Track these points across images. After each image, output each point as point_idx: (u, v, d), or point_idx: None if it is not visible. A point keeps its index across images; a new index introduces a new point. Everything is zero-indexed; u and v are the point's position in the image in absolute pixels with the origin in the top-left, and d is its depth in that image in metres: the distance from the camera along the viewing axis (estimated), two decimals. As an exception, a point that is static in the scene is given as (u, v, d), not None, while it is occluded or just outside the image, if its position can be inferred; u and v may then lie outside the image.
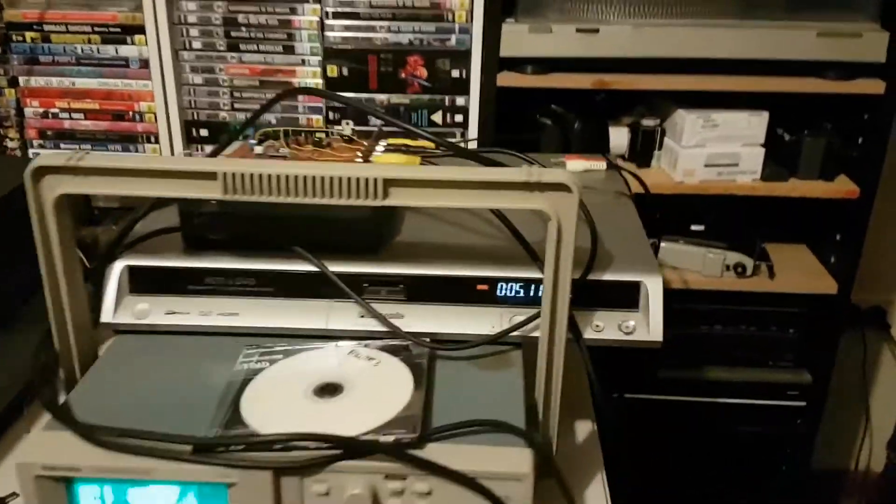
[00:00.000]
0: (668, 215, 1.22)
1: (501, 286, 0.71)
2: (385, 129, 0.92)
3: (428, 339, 0.68)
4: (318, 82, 1.23)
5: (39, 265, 0.64)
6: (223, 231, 0.72)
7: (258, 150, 0.78)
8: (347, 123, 1.24)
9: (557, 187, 0.60)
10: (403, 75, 1.22)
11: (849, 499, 1.79)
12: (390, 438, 0.56)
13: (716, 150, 1.13)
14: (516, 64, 1.13)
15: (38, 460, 0.56)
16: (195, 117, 1.26)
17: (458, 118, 1.23)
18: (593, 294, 0.70)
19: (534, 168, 0.60)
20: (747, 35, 1.07)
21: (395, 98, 1.23)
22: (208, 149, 1.28)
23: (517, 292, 0.71)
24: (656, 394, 1.28)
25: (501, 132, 1.19)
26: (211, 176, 0.61)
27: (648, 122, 1.18)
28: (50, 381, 0.67)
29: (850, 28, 1.05)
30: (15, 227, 0.73)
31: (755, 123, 1.13)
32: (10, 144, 1.28)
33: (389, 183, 0.61)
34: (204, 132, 1.27)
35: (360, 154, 0.76)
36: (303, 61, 1.21)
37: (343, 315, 0.71)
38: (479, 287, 0.71)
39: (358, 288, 0.71)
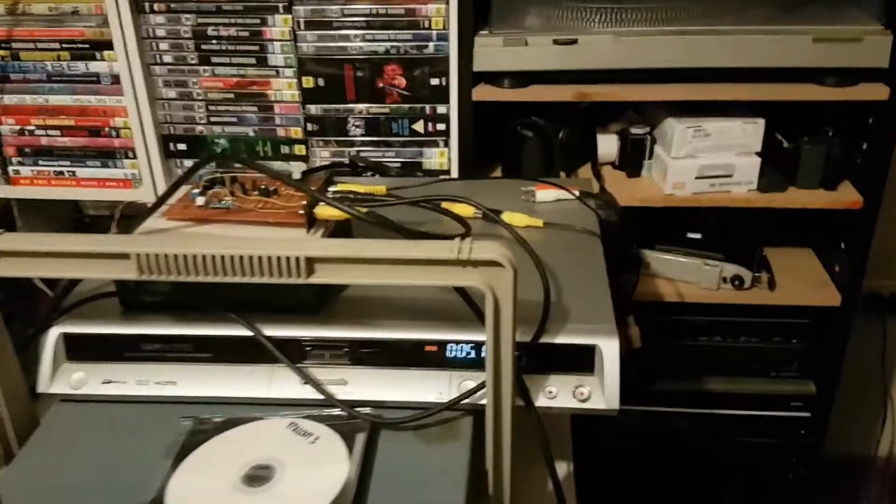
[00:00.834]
0: (662, 222, 1.16)
1: (451, 347, 0.67)
2: (340, 167, 0.88)
3: (369, 411, 0.65)
4: (294, 93, 1.18)
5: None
6: (158, 294, 0.69)
7: (200, 201, 0.74)
8: (321, 144, 1.20)
9: (491, 263, 0.56)
10: (381, 84, 1.17)
11: (869, 487, 1.75)
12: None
13: (708, 160, 1.07)
14: (493, 77, 1.07)
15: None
16: (172, 131, 1.22)
17: (441, 126, 1.18)
18: (546, 356, 0.66)
19: (465, 243, 0.56)
20: (737, 42, 0.99)
21: (375, 108, 1.18)
22: (188, 163, 1.25)
23: (468, 353, 0.67)
24: (653, 405, 1.24)
25: (483, 146, 1.14)
26: (124, 256, 0.58)
27: (637, 131, 1.12)
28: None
29: (850, 32, 0.96)
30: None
31: (750, 131, 1.06)
32: (-11, 162, 1.26)
33: (313, 261, 0.58)
34: (182, 146, 1.23)
35: (304, 205, 0.72)
36: (277, 72, 1.17)
37: (285, 381, 0.68)
38: (428, 348, 0.68)
39: (300, 352, 0.68)
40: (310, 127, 1.20)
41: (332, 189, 0.76)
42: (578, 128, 1.12)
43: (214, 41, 1.16)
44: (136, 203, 0.87)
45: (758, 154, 1.08)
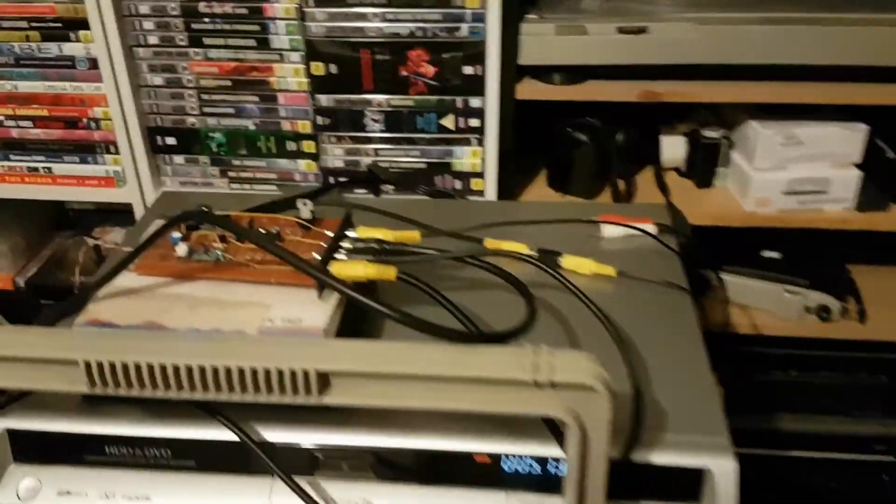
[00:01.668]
0: (733, 236, 0.99)
1: (508, 461, 0.51)
2: (361, 202, 0.71)
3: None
4: (301, 81, 1.00)
5: None
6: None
7: (181, 250, 0.58)
8: (334, 141, 1.03)
9: (578, 386, 0.40)
10: (405, 73, 0.99)
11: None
12: None
13: (799, 173, 0.89)
14: (540, 70, 0.89)
15: None
16: (159, 123, 1.05)
17: (474, 122, 1.00)
18: (637, 478, 0.50)
19: (541, 355, 0.40)
20: (841, 35, 0.80)
21: (396, 100, 1.00)
22: (178, 159, 1.08)
23: (530, 469, 0.51)
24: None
25: (521, 145, 0.96)
26: (70, 363, 0.42)
27: (711, 134, 0.94)
28: None
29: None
30: None
31: (850, 140, 0.88)
32: (-49, 156, 1.10)
33: (326, 378, 0.41)
34: (171, 140, 1.06)
35: (316, 256, 0.56)
36: (281, 56, 0.99)
37: (291, 500, 0.52)
38: (478, 459, 0.51)
39: (309, 462, 0.52)
40: (320, 121, 1.03)
41: (351, 234, 0.59)
42: (639, 128, 0.94)
43: (207, 19, 0.98)
44: (104, 242, 0.70)
45: (857, 166, 0.90)
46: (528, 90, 0.89)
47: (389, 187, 0.89)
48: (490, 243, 0.67)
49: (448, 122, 1.02)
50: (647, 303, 0.61)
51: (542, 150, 1.02)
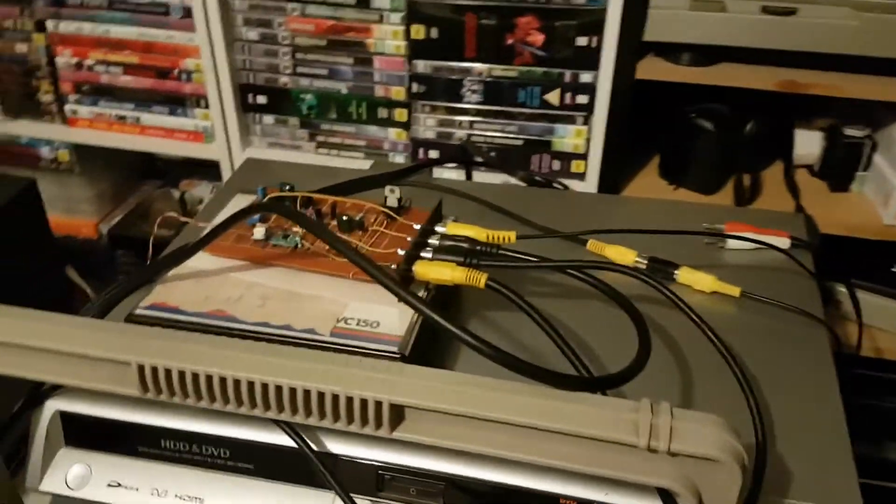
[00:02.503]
0: (860, 247, 0.88)
1: (601, 508, 0.44)
2: (451, 186, 0.64)
3: None
4: (399, 45, 0.94)
5: None
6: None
7: (258, 232, 0.53)
8: (427, 110, 0.96)
9: (701, 457, 0.33)
10: (511, 41, 0.91)
11: None
12: None
13: (953, 184, 0.78)
14: (666, 48, 0.80)
15: None
16: (251, 80, 1.01)
17: (582, 99, 0.92)
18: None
19: (659, 415, 0.33)
20: None
21: (499, 70, 0.93)
22: (267, 119, 1.03)
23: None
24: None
25: (640, 135, 0.87)
26: (123, 364, 0.38)
27: (855, 132, 0.83)
28: None
29: None
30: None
31: None
32: (44, 98, 1.08)
33: (401, 411, 0.36)
34: (262, 99, 1.02)
35: (400, 252, 0.50)
36: (381, 17, 0.93)
37: (354, 521, 0.47)
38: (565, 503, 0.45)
39: (373, 481, 0.47)
40: (415, 88, 0.96)
41: (440, 230, 0.53)
42: (771, 117, 0.84)
43: (306, -28, 0.92)
44: (175, 216, 0.66)
45: None
46: (651, 69, 0.80)
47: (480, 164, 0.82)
48: (594, 246, 0.60)
49: (553, 97, 0.94)
50: (774, 333, 0.53)
51: (654, 135, 0.92)
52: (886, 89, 0.76)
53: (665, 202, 0.69)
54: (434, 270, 0.48)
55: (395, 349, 0.46)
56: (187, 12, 0.97)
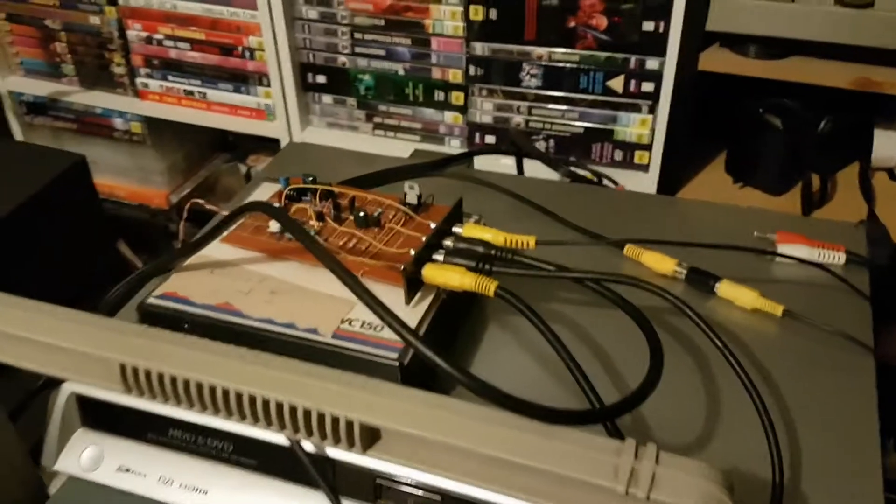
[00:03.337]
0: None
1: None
2: (489, 179, 0.61)
3: None
4: (458, 26, 0.91)
5: None
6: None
7: (274, 224, 0.52)
8: (485, 94, 0.93)
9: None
10: (573, 24, 0.87)
11: None
12: None
13: None
14: (734, 39, 0.74)
15: None
16: (311, 59, 1.00)
17: (647, 87, 0.87)
18: None
19: (645, 461, 0.30)
20: None
21: (560, 54, 0.89)
22: (326, 99, 1.03)
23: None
24: None
25: (704, 128, 0.82)
26: (104, 361, 0.38)
27: (942, 133, 0.76)
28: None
29: None
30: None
31: None
32: (116, 70, 1.11)
33: (376, 431, 0.34)
34: (321, 78, 1.01)
35: (411, 252, 0.48)
36: (440, -3, 0.90)
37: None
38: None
39: (374, 488, 0.46)
40: (473, 71, 0.93)
41: (456, 230, 0.51)
42: (848, 117, 0.77)
43: (366, -50, 0.91)
44: (209, 199, 0.66)
45: None
46: (716, 60, 0.75)
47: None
48: (630, 250, 0.56)
49: (616, 83, 0.89)
50: (815, 358, 0.49)
51: (723, 130, 0.87)
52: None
53: (717, 206, 0.64)
54: (443, 275, 0.46)
55: (394, 356, 0.44)
56: (250, -11, 0.98)
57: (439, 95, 0.96)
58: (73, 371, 0.39)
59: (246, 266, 0.52)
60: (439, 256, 0.48)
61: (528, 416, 0.34)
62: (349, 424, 0.34)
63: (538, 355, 0.50)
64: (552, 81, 0.91)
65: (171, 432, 0.50)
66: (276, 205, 0.54)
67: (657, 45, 0.85)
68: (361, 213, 0.51)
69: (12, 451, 0.51)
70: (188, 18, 1.03)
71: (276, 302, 0.49)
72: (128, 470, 0.51)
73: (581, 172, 0.69)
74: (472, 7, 0.89)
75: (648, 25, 0.84)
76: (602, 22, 0.86)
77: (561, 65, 0.90)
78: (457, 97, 0.96)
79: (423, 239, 0.49)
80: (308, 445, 0.44)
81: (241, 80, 1.06)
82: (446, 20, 0.91)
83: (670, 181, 0.89)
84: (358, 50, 0.97)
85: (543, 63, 0.90)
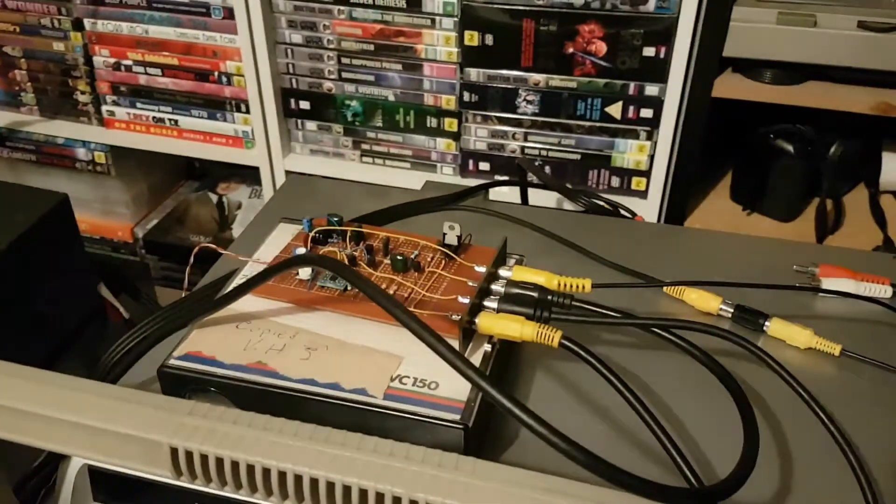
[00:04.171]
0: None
1: None
2: (507, 212, 0.58)
3: None
4: (451, 52, 0.88)
5: None
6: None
7: (304, 272, 0.48)
8: (479, 121, 0.90)
9: None
10: (571, 49, 0.85)
11: None
12: None
13: None
14: (748, 64, 0.73)
15: None
16: (294, 85, 0.96)
17: (646, 113, 0.86)
18: None
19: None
20: None
21: (557, 80, 0.87)
22: (310, 125, 0.99)
23: None
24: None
25: (709, 153, 0.81)
26: (155, 445, 0.33)
27: (949, 157, 0.76)
28: None
29: None
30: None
31: None
32: (81, 98, 1.05)
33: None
34: (305, 104, 0.97)
35: (463, 300, 0.44)
36: (433, 22, 0.87)
37: None
38: None
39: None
40: (466, 97, 0.91)
41: (505, 274, 0.47)
42: (859, 141, 0.77)
43: (355, -27, 0.87)
44: (215, 239, 0.61)
45: None
46: (730, 86, 0.74)
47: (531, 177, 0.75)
48: (672, 290, 0.54)
49: (614, 110, 0.88)
50: (879, 400, 0.47)
51: (725, 154, 0.86)
52: None
53: (742, 237, 0.62)
54: (500, 325, 0.43)
55: (457, 418, 0.41)
56: (229, 13, 0.93)
57: (432, 122, 0.93)
58: (117, 455, 0.34)
59: (275, 319, 0.47)
60: (492, 304, 0.45)
61: (645, 496, 0.31)
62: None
63: (596, 407, 0.46)
64: (549, 107, 0.89)
65: (196, 507, 0.45)
66: (304, 250, 0.50)
67: (658, 70, 0.83)
68: (399, 257, 0.48)
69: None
70: (160, 43, 0.98)
71: (315, 359, 0.45)
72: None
73: (597, 202, 0.67)
74: (466, 32, 0.87)
75: (649, 51, 0.83)
76: (601, 48, 0.84)
77: (558, 91, 0.88)
78: (450, 123, 0.93)
79: (472, 283, 0.45)
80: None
81: (217, 106, 1.01)
82: (439, 45, 0.88)
83: (674, 209, 0.87)
84: (345, 75, 0.93)
85: (540, 89, 0.88)
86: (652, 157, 0.88)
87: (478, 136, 0.93)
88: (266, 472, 0.32)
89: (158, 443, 0.33)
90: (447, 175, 0.96)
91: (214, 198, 1.22)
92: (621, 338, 0.51)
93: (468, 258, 0.49)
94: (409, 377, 0.43)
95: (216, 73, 0.98)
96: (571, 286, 0.46)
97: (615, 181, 0.92)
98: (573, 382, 0.48)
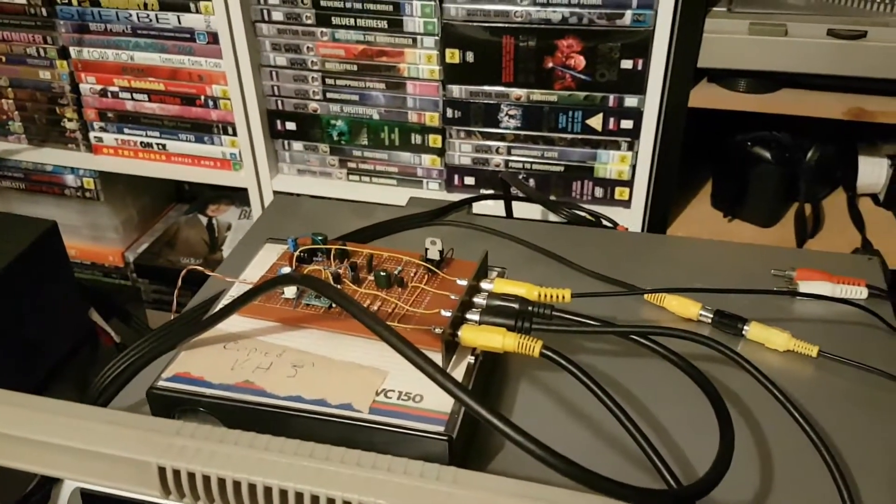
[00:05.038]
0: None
1: None
2: (490, 226, 0.59)
3: None
4: (433, 69, 0.90)
5: None
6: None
7: (289, 291, 0.49)
8: (463, 136, 0.91)
9: None
10: (551, 64, 0.86)
11: None
12: None
13: None
14: (722, 74, 0.74)
15: None
16: (280, 106, 0.97)
17: (626, 124, 0.87)
18: None
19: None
20: None
21: (538, 94, 0.88)
22: (296, 146, 1.00)
23: None
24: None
25: (690, 162, 0.82)
26: (143, 465, 0.34)
27: (923, 159, 0.78)
28: None
29: None
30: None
31: None
32: (68, 126, 1.06)
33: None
34: (291, 125, 0.98)
35: (445, 314, 0.45)
36: (414, 41, 0.89)
37: None
38: None
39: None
40: (450, 113, 0.92)
41: (486, 287, 0.48)
42: (834, 145, 0.78)
43: (336, -4, 0.88)
44: (205, 261, 0.62)
45: None
46: (706, 96, 0.75)
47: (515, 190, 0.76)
48: (652, 297, 0.55)
49: (595, 121, 0.89)
50: (857, 400, 0.48)
51: (705, 162, 0.87)
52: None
53: (723, 244, 0.63)
54: (483, 337, 0.44)
55: (441, 429, 0.41)
56: (213, 38, 0.94)
57: (416, 139, 0.94)
58: (108, 478, 0.35)
59: (262, 338, 0.48)
60: (474, 316, 0.45)
61: (626, 500, 0.31)
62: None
63: (580, 416, 0.47)
64: (531, 121, 0.90)
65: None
66: (289, 269, 0.51)
67: (636, 82, 0.85)
68: (383, 273, 0.49)
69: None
70: (146, 69, 0.99)
71: (301, 376, 0.45)
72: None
73: (580, 213, 0.68)
74: (447, 50, 0.88)
75: (627, 64, 0.84)
76: (580, 62, 0.86)
77: (539, 105, 0.89)
78: (434, 140, 0.94)
79: (457, 299, 0.46)
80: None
81: (204, 129, 1.02)
82: (421, 64, 0.90)
83: (656, 217, 0.88)
84: (330, 95, 0.94)
85: (521, 103, 0.89)
86: (634, 168, 0.89)
87: (462, 151, 0.94)
88: (252, 487, 0.33)
89: (147, 463, 0.33)
90: (433, 190, 0.98)
91: (204, 220, 1.23)
92: (602, 346, 0.51)
93: (450, 272, 0.50)
94: (394, 391, 0.44)
95: (202, 97, 0.99)
96: (552, 297, 0.47)
97: (599, 192, 0.93)
98: (556, 391, 0.49)
